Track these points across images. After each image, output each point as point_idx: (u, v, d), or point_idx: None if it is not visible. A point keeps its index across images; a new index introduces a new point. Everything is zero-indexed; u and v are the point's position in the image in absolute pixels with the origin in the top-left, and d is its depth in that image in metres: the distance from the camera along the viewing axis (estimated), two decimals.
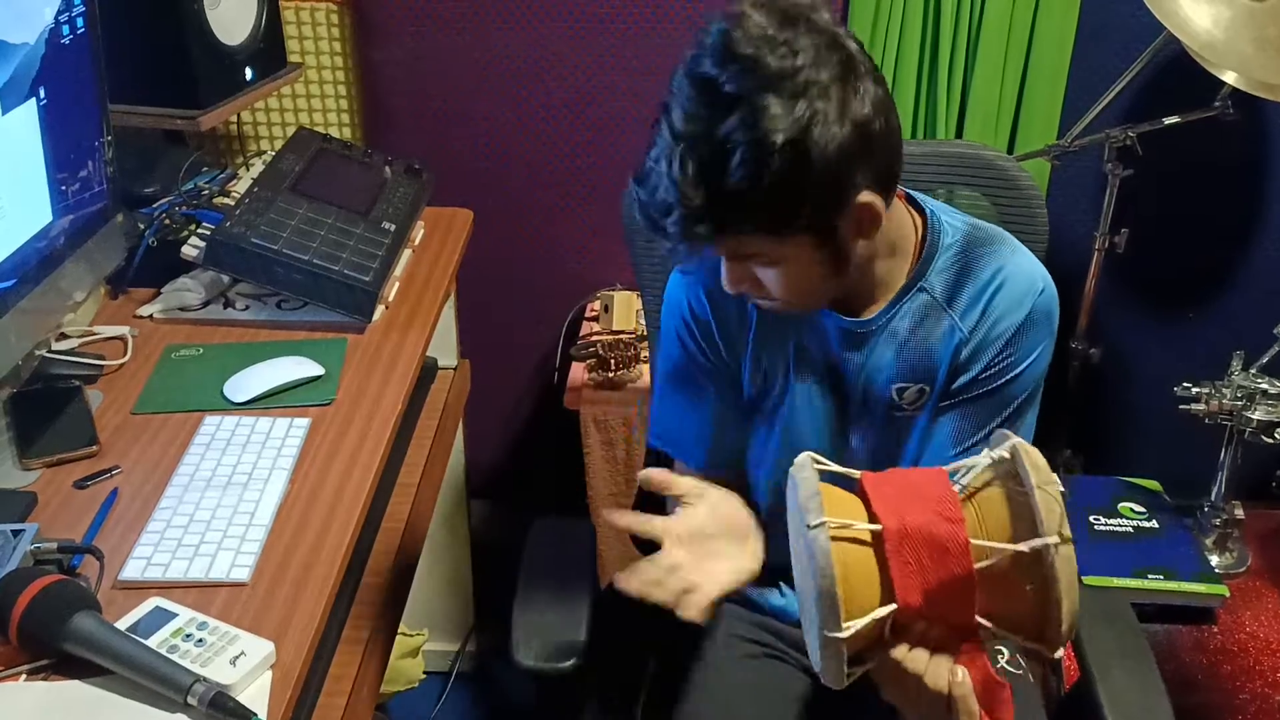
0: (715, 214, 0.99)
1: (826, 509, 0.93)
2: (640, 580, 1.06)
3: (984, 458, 0.97)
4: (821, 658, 0.94)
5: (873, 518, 0.94)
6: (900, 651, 0.95)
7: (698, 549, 1.10)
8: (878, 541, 0.93)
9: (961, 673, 0.94)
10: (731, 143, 0.95)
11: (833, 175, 0.98)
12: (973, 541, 0.91)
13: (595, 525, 1.50)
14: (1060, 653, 0.93)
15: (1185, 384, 1.75)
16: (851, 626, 0.90)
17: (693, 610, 1.06)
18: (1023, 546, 0.90)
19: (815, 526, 0.91)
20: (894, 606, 0.92)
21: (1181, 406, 1.74)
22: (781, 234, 1.02)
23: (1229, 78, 1.79)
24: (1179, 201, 2.15)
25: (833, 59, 0.97)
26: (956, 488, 0.96)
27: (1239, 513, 1.82)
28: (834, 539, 0.91)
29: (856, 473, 1.00)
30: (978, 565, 0.91)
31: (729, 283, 1.11)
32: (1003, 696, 0.96)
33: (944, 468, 0.98)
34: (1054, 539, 0.88)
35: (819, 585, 0.91)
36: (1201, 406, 1.73)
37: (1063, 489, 0.91)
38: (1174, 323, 2.26)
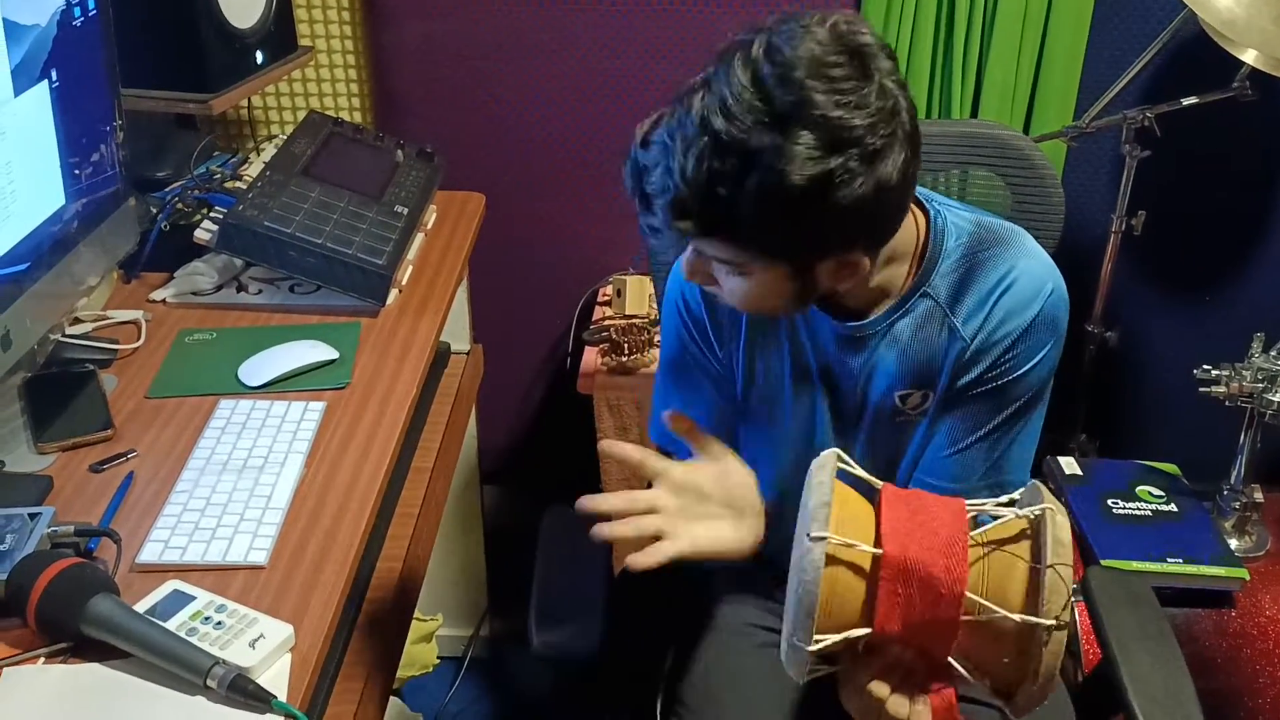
0: (706, 218, 0.96)
1: (835, 523, 0.91)
2: (611, 511, 1.03)
3: (1008, 512, 0.95)
4: (786, 657, 0.94)
5: (879, 537, 0.92)
6: (867, 674, 0.94)
7: (689, 504, 1.08)
8: (875, 565, 0.91)
9: (923, 703, 0.93)
10: (755, 164, 0.92)
11: (834, 229, 0.97)
12: (968, 595, 0.89)
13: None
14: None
15: (1205, 366, 1.73)
16: (822, 641, 0.90)
17: (645, 559, 1.02)
18: (1016, 618, 0.88)
19: (815, 539, 0.90)
20: (869, 630, 0.91)
21: (1201, 389, 1.73)
22: (761, 256, 1.00)
23: (1248, 57, 1.77)
24: (1196, 184, 2.12)
25: (888, 129, 0.94)
26: (978, 532, 0.93)
27: (1258, 496, 1.80)
28: (830, 558, 0.90)
29: (879, 483, 0.98)
30: (967, 617, 0.89)
31: (686, 270, 1.08)
32: None
33: (965, 503, 0.95)
34: (1049, 622, 0.86)
35: (801, 597, 0.90)
36: (1221, 389, 1.72)
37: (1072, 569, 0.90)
38: (1191, 306, 2.24)
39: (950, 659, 0.92)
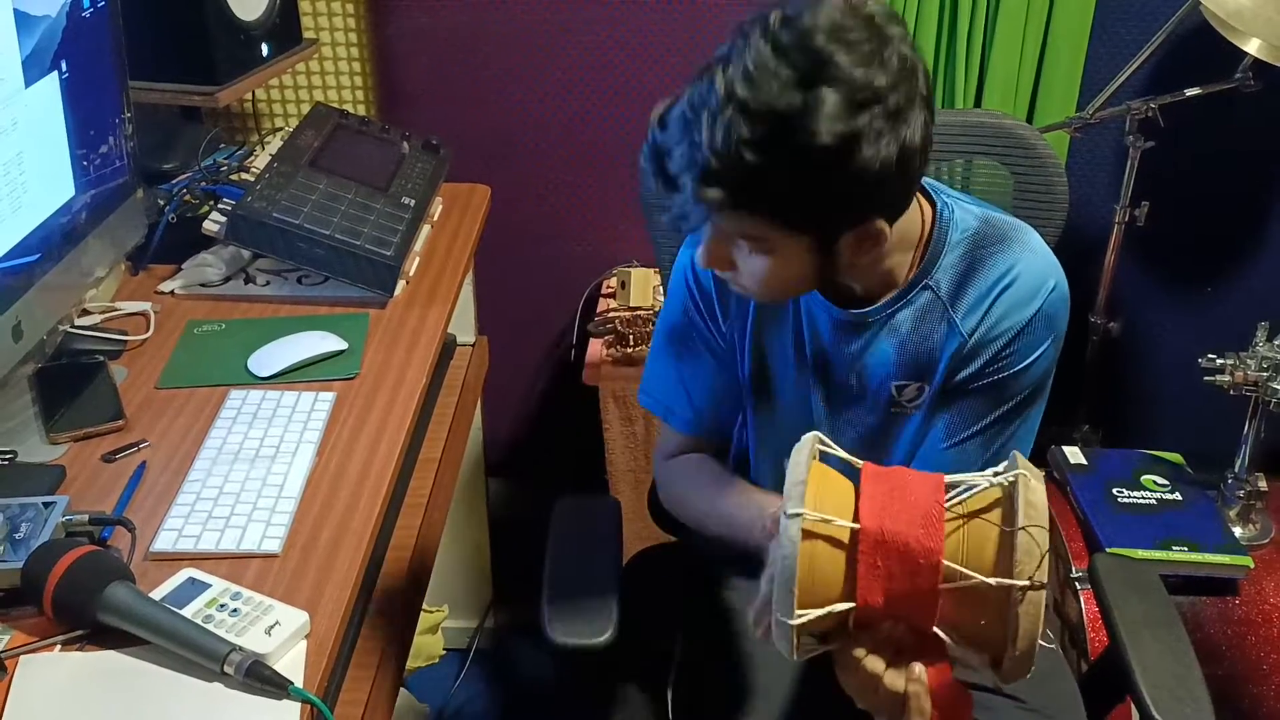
0: (736, 187, 0.97)
1: (812, 499, 0.93)
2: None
3: (984, 480, 0.95)
4: (774, 634, 0.95)
5: (858, 513, 0.93)
6: (861, 652, 0.95)
7: None
8: (853, 540, 0.92)
9: (918, 669, 0.94)
10: (784, 126, 0.93)
11: (860, 192, 0.98)
12: (946, 563, 0.90)
13: (619, 501, 1.50)
14: (1010, 685, 0.94)
15: (1210, 355, 1.74)
16: (804, 615, 0.92)
17: None
18: (991, 581, 0.89)
19: (791, 516, 0.92)
20: (853, 605, 0.92)
21: (1206, 378, 1.73)
22: (788, 227, 1.01)
23: (1252, 46, 1.77)
24: (1200, 174, 2.13)
25: (909, 89, 0.96)
26: (956, 500, 0.94)
27: (1263, 484, 1.81)
28: (807, 532, 0.92)
29: (860, 462, 1.00)
30: (946, 585, 0.90)
31: (704, 258, 1.09)
32: (963, 701, 0.96)
33: (944, 477, 0.97)
34: (1023, 583, 0.87)
35: (780, 572, 0.92)
36: (1226, 378, 1.72)
37: (1049, 530, 0.90)
38: (1194, 296, 2.25)
39: (937, 630, 0.93)
